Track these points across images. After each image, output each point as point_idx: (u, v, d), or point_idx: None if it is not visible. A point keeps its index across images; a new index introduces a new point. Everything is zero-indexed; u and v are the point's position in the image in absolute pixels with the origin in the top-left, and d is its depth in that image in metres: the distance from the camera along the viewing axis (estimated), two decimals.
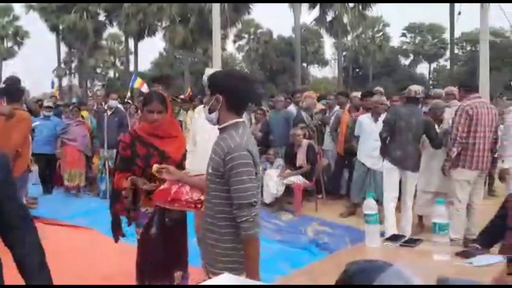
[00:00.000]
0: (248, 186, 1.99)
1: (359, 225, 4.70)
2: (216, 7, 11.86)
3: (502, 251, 2.73)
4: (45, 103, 8.01)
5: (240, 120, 2.13)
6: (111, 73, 41.40)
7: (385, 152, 4.97)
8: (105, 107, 7.44)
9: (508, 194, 2.95)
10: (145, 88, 9.82)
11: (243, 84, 2.13)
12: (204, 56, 26.73)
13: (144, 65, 40.33)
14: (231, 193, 2.00)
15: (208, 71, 3.62)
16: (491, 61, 11.07)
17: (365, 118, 5.90)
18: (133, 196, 2.94)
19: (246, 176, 1.99)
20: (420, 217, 5.38)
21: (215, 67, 12.61)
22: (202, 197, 2.48)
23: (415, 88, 4.90)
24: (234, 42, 37.62)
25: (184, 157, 3.07)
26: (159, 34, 24.51)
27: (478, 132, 4.45)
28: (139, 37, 26.45)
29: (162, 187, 2.72)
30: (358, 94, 6.81)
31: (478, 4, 12.64)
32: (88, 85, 33.11)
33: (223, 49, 30.61)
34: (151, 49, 42.08)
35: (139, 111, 7.81)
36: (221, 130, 2.12)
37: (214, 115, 2.11)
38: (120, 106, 7.91)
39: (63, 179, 7.43)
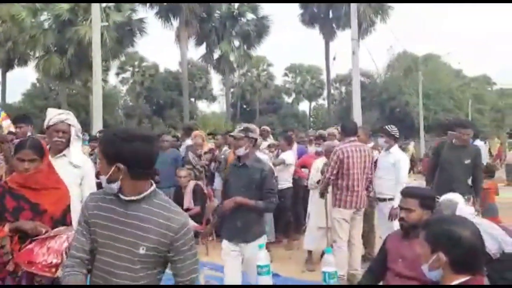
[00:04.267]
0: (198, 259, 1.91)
1: None
2: (96, 38, 11.35)
3: None
4: None
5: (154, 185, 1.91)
6: None
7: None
8: None
9: (387, 235, 3.10)
10: (6, 123, 8.39)
11: (146, 146, 1.82)
12: (84, 88, 25.17)
13: (14, 96, 36.74)
14: (181, 270, 1.85)
15: (51, 112, 3.26)
16: (362, 101, 12.28)
17: None
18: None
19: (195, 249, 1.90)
20: (310, 253, 5.56)
21: (96, 99, 11.97)
22: (57, 261, 2.33)
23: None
24: (117, 74, 36.37)
25: (66, 212, 2.70)
26: (32, 64, 22.52)
27: (351, 174, 4.72)
28: (7, 66, 23.98)
29: (28, 246, 2.42)
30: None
31: (351, 49, 14.12)
32: None
33: (105, 81, 29.31)
34: (22, 80, 38.68)
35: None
36: (137, 201, 1.83)
37: (115, 185, 1.82)
38: None
39: None
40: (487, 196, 6.12)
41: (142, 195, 1.83)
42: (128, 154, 1.77)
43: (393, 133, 5.25)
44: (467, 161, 5.06)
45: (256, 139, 3.74)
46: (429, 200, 2.69)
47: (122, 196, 1.83)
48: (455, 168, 5.06)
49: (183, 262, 1.83)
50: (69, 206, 2.73)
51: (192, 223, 6.06)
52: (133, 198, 1.83)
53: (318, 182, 5.40)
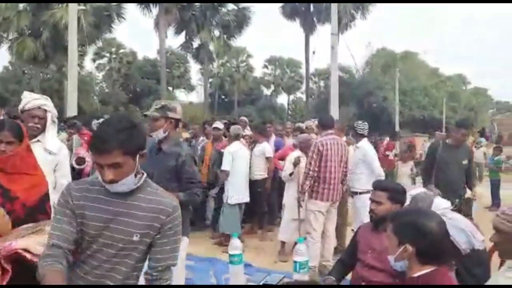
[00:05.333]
0: (178, 247, 1.86)
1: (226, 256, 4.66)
2: (73, 22, 11.08)
3: (352, 281, 2.90)
4: None
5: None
6: None
7: None
8: None
9: (358, 227, 3.16)
10: None
11: (141, 131, 1.79)
12: (58, 72, 24.55)
13: None
14: (158, 254, 1.80)
15: (27, 96, 3.15)
16: (340, 96, 12.41)
17: None
18: None
19: (180, 235, 1.85)
20: (283, 244, 5.63)
21: (71, 84, 11.68)
22: None
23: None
24: (94, 60, 35.57)
25: (43, 199, 2.59)
26: (5, 46, 21.77)
27: (328, 166, 4.77)
28: None
29: None
30: (218, 125, 6.86)
31: (330, 44, 14.17)
32: None
33: (81, 66, 28.66)
34: None
35: None
36: (132, 191, 1.79)
37: (131, 179, 1.75)
38: None
39: None
40: None
41: (138, 184, 1.79)
42: (143, 139, 1.78)
43: (355, 128, 5.34)
44: (465, 162, 4.90)
45: (177, 120, 3.19)
46: (398, 193, 2.74)
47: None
48: (453, 169, 4.87)
49: (163, 246, 1.79)
50: (47, 193, 2.63)
51: None
52: (133, 187, 1.78)
53: (291, 174, 5.46)
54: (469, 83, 44.12)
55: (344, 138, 5.77)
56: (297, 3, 27.47)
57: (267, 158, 6.38)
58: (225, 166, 5.85)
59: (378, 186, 2.81)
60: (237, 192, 5.86)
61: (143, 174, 1.84)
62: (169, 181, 2.94)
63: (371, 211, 2.77)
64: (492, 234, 2.08)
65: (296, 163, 5.39)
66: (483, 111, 41.55)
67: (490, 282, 2.12)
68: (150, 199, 1.80)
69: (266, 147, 6.48)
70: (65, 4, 16.80)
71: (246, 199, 6.01)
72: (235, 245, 2.63)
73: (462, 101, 38.00)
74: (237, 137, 6.06)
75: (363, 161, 5.14)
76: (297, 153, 5.59)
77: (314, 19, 27.99)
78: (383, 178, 5.02)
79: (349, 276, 2.93)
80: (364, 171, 5.12)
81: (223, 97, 41.70)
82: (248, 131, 7.49)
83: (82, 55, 25.28)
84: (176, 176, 3.01)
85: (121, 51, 35.95)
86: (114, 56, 35.80)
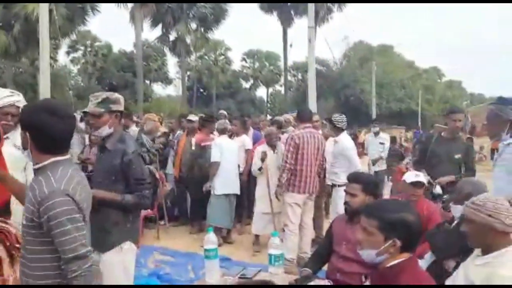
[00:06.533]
0: (75, 236, 1.75)
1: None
2: (44, 14, 10.76)
3: (328, 272, 2.93)
4: None
5: (61, 158, 1.87)
6: None
7: None
8: None
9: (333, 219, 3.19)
10: None
11: (52, 119, 1.81)
12: (31, 66, 23.96)
13: None
14: (56, 246, 1.77)
15: None
16: (318, 88, 12.45)
17: None
18: None
19: (70, 225, 1.74)
20: (257, 236, 5.67)
21: (43, 78, 11.36)
22: None
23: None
24: (68, 53, 34.80)
25: (8, 202, 2.53)
26: None
27: (305, 159, 4.79)
28: None
29: None
30: (192, 117, 6.80)
31: (307, 37, 14.17)
32: None
33: (55, 60, 28.01)
34: None
35: None
36: (37, 172, 1.89)
37: (26, 153, 1.92)
38: None
39: None
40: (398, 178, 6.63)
41: (38, 166, 1.87)
42: (31, 124, 1.84)
43: (333, 122, 5.24)
44: (457, 156, 4.47)
45: (121, 112, 2.82)
46: (371, 185, 2.77)
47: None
48: (444, 163, 4.48)
49: (54, 238, 1.75)
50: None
51: None
52: (35, 167, 1.90)
53: (260, 169, 5.47)
54: (444, 76, 44.93)
55: (320, 132, 5.80)
56: None
57: (246, 151, 6.38)
58: (214, 158, 5.80)
59: (352, 178, 2.84)
60: (223, 184, 5.81)
61: (65, 157, 1.89)
62: (115, 183, 2.67)
63: (345, 203, 2.80)
64: (463, 224, 2.11)
65: (263, 158, 5.42)
66: (458, 103, 42.39)
67: (460, 270, 2.17)
68: (39, 182, 1.80)
69: (246, 139, 6.50)
70: None
71: (235, 190, 5.96)
72: (211, 239, 2.63)
73: (437, 93, 38.71)
74: (223, 131, 6.06)
75: (342, 155, 5.15)
76: (262, 147, 5.62)
77: (291, 12, 28.02)
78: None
79: (325, 267, 2.96)
80: (343, 165, 5.11)
81: (201, 90, 41.38)
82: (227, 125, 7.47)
83: (55, 48, 24.71)
84: (123, 176, 2.68)
85: (96, 44, 35.24)
86: (89, 49, 35.08)
